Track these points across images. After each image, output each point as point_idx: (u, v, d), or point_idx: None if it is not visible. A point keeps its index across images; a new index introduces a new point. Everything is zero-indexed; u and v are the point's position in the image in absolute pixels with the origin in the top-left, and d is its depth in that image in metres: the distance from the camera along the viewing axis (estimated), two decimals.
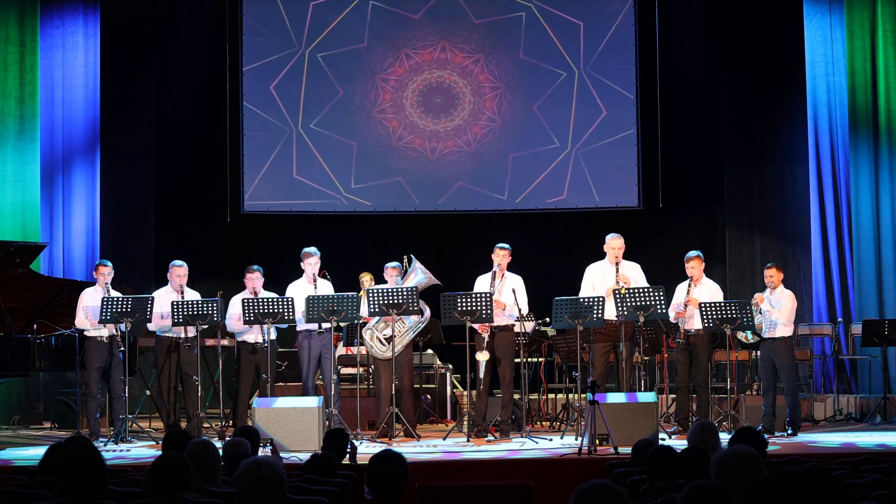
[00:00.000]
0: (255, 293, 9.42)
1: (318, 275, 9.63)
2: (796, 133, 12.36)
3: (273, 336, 9.37)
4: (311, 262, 9.54)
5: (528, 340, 10.13)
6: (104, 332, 9.23)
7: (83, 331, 9.34)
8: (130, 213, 12.39)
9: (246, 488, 3.64)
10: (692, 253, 9.48)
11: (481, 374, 9.05)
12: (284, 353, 10.85)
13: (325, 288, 9.58)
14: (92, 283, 9.82)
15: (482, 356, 9.03)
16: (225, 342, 9.90)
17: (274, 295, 9.35)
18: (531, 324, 9.97)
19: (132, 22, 12.42)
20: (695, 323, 9.25)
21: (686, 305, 9.26)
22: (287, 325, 9.39)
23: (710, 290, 9.41)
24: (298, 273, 9.72)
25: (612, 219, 12.43)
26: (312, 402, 8.65)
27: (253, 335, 9.50)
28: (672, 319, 9.45)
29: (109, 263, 9.45)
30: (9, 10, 11.35)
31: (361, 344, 9.63)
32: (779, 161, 12.56)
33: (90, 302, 9.24)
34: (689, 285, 9.39)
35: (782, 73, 12.47)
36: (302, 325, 9.40)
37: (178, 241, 12.32)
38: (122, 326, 9.33)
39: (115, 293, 9.20)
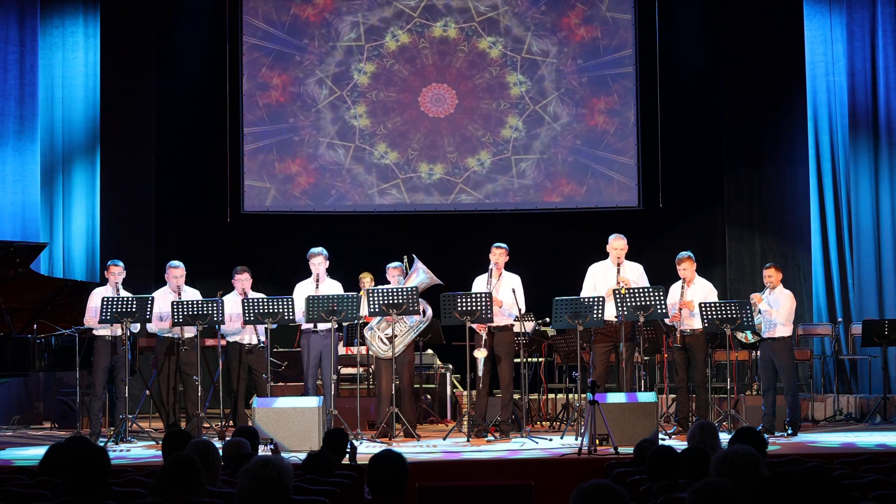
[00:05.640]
0: (245, 294, 9.43)
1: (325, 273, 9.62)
2: (796, 133, 12.37)
3: (263, 337, 9.35)
4: (316, 261, 9.53)
5: (528, 340, 10.13)
6: (117, 331, 9.20)
7: (89, 330, 9.34)
8: (130, 213, 12.38)
9: (246, 484, 3.63)
10: (683, 254, 9.47)
11: (479, 372, 9.06)
12: (284, 353, 10.85)
13: (334, 288, 9.55)
14: (96, 282, 9.83)
15: (480, 353, 9.03)
16: (225, 342, 9.90)
17: (262, 295, 9.35)
18: (531, 324, 9.97)
19: (132, 22, 12.42)
20: (691, 322, 9.24)
21: (680, 310, 9.25)
22: (276, 325, 9.35)
23: (703, 290, 9.41)
24: (298, 273, 9.73)
25: (612, 219, 12.44)
26: (312, 402, 8.66)
27: (246, 336, 9.51)
28: (667, 322, 9.45)
29: (121, 263, 9.45)
30: (9, 10, 11.35)
31: (362, 344, 9.63)
32: (779, 161, 12.56)
33: (100, 302, 9.20)
34: (683, 286, 9.38)
35: (782, 73, 12.47)
36: (306, 324, 9.41)
37: (177, 241, 12.31)
38: (135, 327, 9.35)
39: (125, 293, 9.20)
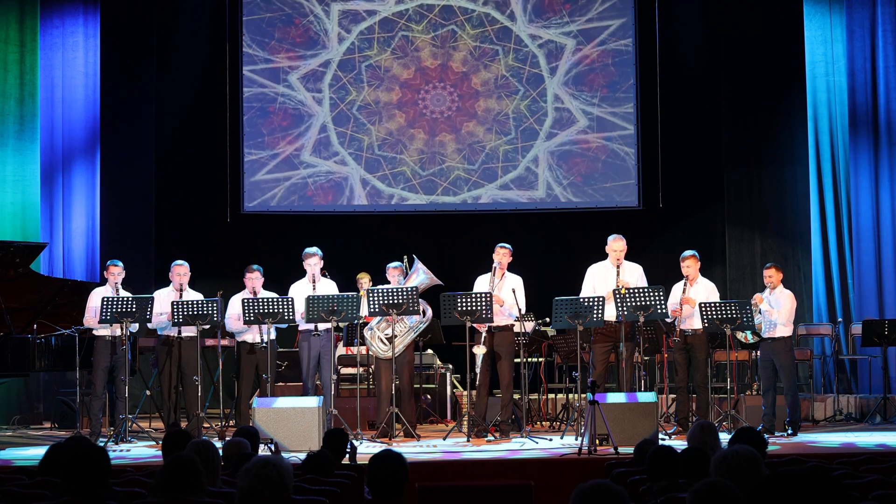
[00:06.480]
0: (255, 293, 9.44)
1: (320, 274, 9.64)
2: (796, 133, 12.37)
3: (272, 336, 9.37)
4: (312, 262, 9.55)
5: (528, 340, 10.14)
6: (117, 331, 9.18)
7: (89, 330, 9.34)
8: (130, 213, 12.38)
9: (246, 484, 3.63)
10: (687, 252, 9.49)
11: (478, 368, 9.06)
12: (284, 353, 10.85)
13: (330, 287, 9.57)
14: (96, 282, 9.83)
15: (479, 350, 9.04)
16: (225, 342, 9.90)
17: (274, 295, 9.35)
18: (531, 324, 9.98)
19: (132, 22, 12.42)
20: (693, 323, 9.25)
21: (682, 305, 9.26)
22: (286, 325, 9.40)
23: (706, 290, 9.42)
24: (298, 273, 9.73)
25: (612, 219, 12.44)
26: (312, 402, 8.65)
27: (252, 335, 9.51)
28: (668, 318, 9.44)
29: (120, 263, 9.45)
30: (9, 10, 11.36)
31: (362, 344, 9.63)
32: (779, 161, 12.56)
33: (100, 302, 9.20)
34: (685, 285, 9.39)
35: (782, 73, 12.47)
36: (303, 325, 9.41)
37: (178, 241, 12.33)
38: (134, 327, 9.35)
39: (124, 293, 9.20)
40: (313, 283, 9.49)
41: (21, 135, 11.29)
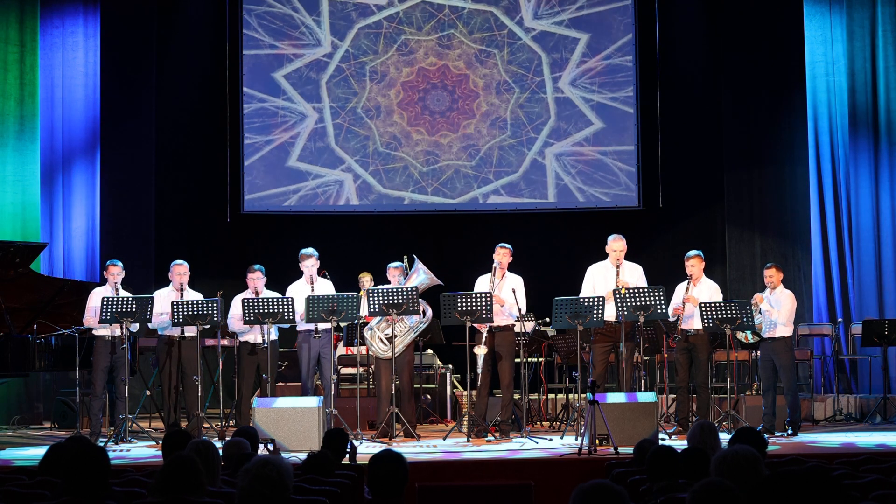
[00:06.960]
0: (257, 293, 9.44)
1: (319, 274, 9.65)
2: (796, 133, 12.37)
3: (274, 336, 9.37)
4: (308, 263, 9.55)
5: (528, 340, 10.14)
6: (116, 331, 9.18)
7: (89, 330, 9.34)
8: (130, 213, 12.38)
9: (246, 484, 3.63)
10: (692, 252, 9.50)
11: (479, 369, 9.06)
12: (284, 353, 10.85)
13: (326, 287, 9.58)
14: (96, 282, 9.83)
15: (480, 350, 9.04)
16: (225, 342, 9.90)
17: (276, 295, 9.36)
18: (531, 324, 9.98)
19: (132, 22, 12.43)
20: (694, 323, 9.25)
21: (684, 303, 9.26)
22: (287, 325, 9.40)
23: (709, 290, 9.42)
24: (298, 273, 9.73)
25: (612, 219, 12.44)
26: (312, 402, 8.66)
27: (253, 335, 9.51)
28: (670, 317, 9.45)
29: (119, 263, 9.46)
30: (9, 10, 11.36)
31: (362, 344, 9.63)
32: (779, 161, 12.56)
33: (100, 302, 9.20)
34: (689, 284, 9.40)
35: (782, 73, 12.48)
36: (302, 326, 9.42)
37: (178, 241, 12.33)
38: (134, 327, 9.35)
39: (124, 293, 9.20)
40: (311, 284, 9.49)
41: (21, 135, 11.29)
